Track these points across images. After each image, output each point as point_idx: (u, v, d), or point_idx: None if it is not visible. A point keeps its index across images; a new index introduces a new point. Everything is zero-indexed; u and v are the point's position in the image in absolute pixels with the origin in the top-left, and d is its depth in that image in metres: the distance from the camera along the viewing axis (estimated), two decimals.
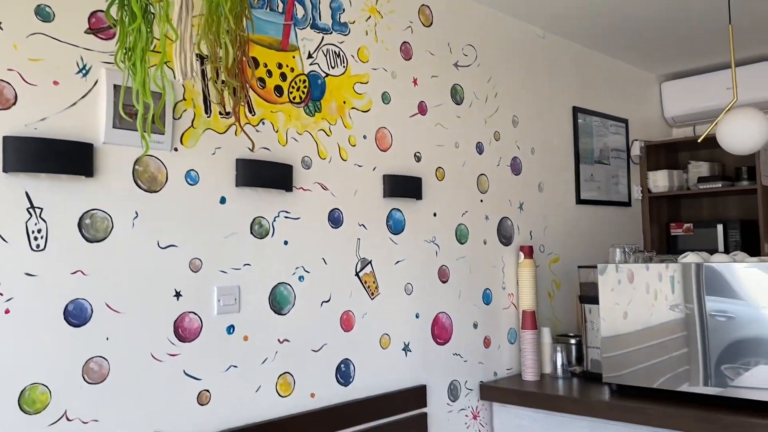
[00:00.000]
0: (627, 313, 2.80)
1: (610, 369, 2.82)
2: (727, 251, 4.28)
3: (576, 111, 3.93)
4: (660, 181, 4.44)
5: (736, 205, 4.63)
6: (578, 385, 3.00)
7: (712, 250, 4.07)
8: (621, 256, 2.93)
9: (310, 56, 2.52)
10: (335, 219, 2.56)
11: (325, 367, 2.48)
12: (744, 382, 2.49)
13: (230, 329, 2.20)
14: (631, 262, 2.86)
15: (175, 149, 2.10)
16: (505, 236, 3.35)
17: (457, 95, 3.14)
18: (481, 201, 3.23)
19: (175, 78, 2.07)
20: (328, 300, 2.51)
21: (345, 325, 2.56)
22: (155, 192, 2.05)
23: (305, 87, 2.49)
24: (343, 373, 2.54)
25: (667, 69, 4.66)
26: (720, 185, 4.29)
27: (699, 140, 3.01)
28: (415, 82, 2.94)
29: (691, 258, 2.70)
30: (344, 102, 2.62)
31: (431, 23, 3.04)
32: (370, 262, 2.67)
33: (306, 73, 2.50)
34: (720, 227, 4.33)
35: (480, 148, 3.25)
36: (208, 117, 2.19)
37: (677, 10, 3.47)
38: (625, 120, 4.37)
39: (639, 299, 2.76)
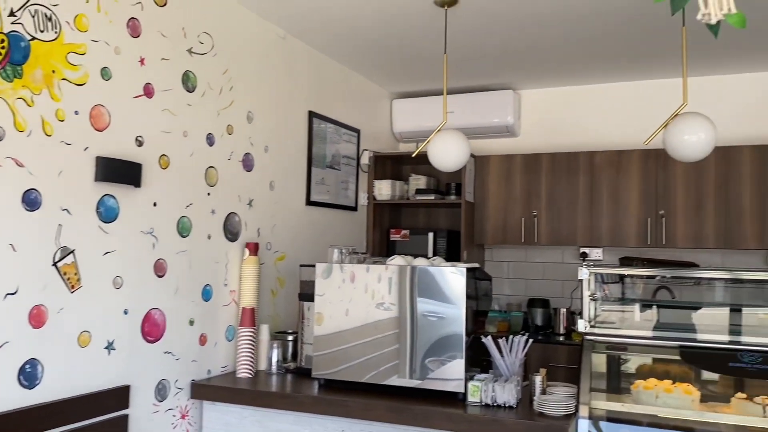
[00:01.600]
0: (348, 311, 2.94)
1: (320, 365, 2.93)
2: (435, 256, 4.76)
3: (312, 115, 4.05)
4: (384, 189, 4.78)
5: (446, 216, 5.19)
6: (290, 381, 3.08)
7: (423, 255, 4.49)
8: (338, 256, 3.08)
9: (12, 14, 2.21)
10: (31, 201, 2.27)
11: (3, 368, 2.18)
12: (439, 374, 2.77)
13: None
14: (346, 263, 3.02)
15: None
16: (231, 232, 3.31)
17: (189, 82, 3.02)
18: (209, 194, 3.15)
19: None
20: (15, 292, 2.21)
21: (34, 321, 2.28)
22: None
23: (3, 48, 2.17)
24: (28, 375, 2.26)
25: (398, 88, 5.05)
26: (433, 197, 4.77)
27: (413, 155, 3.30)
28: (142, 61, 2.75)
29: (397, 261, 2.94)
30: (53, 71, 2.35)
31: (165, 3, 2.88)
32: (73, 251, 2.42)
33: (5, 32, 2.19)
34: (431, 235, 4.82)
35: (211, 140, 3.17)
36: None
37: (409, 36, 3.78)
38: (358, 130, 4.63)
39: (358, 299, 2.92)
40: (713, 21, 1.24)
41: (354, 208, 4.62)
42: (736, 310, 3.69)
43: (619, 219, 4.45)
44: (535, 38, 3.84)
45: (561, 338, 4.45)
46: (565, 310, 4.57)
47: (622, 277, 3.93)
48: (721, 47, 3.94)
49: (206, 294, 3.12)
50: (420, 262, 2.95)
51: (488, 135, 5.05)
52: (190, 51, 3.03)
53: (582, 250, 4.75)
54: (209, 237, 3.15)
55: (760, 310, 3.67)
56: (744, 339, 2.70)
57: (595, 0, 3.21)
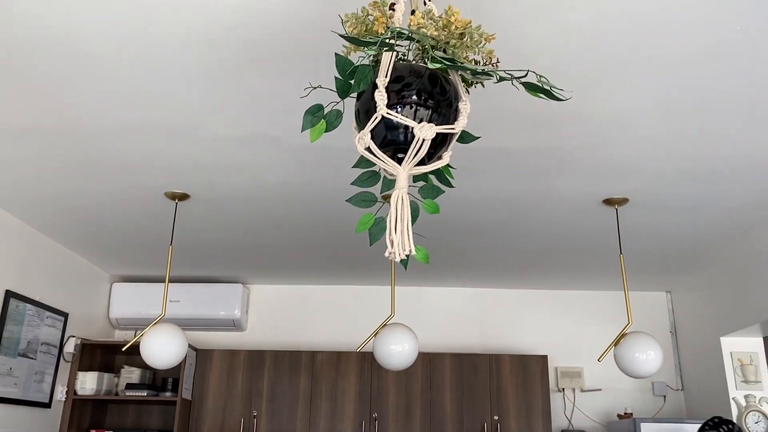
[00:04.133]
0: None
1: None
2: None
3: (9, 295, 3.57)
4: (89, 383, 4.26)
5: (159, 414, 4.74)
6: None
7: None
8: None
9: None
10: None
11: None
12: None
13: None
14: None
15: None
16: None
17: None
18: None
19: None
20: None
21: None
22: None
23: None
24: None
25: (121, 271, 4.76)
26: (145, 393, 4.36)
27: (123, 349, 3.04)
28: None
29: None
30: None
31: None
32: None
33: None
34: None
35: None
36: None
37: (136, 222, 3.66)
38: (66, 314, 4.17)
39: None
40: (397, 259, 1.39)
41: (47, 405, 3.99)
42: None
43: (336, 421, 4.48)
44: (264, 237, 3.98)
45: None
46: None
47: None
48: (429, 265, 4.48)
49: None
50: None
51: (214, 328, 4.91)
52: None
53: None
54: None
55: None
56: None
57: (320, 209, 3.48)
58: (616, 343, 3.04)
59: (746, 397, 4.02)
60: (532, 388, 4.54)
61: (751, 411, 3.98)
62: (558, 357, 4.84)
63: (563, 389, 4.79)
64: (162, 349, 2.90)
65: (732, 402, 4.04)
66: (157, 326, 3.00)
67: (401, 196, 1.41)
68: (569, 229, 3.66)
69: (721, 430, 3.38)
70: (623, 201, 3.21)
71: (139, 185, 3.17)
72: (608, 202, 3.23)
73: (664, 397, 4.77)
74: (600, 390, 4.77)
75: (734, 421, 3.89)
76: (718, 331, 4.21)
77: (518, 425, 4.43)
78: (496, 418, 4.46)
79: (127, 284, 4.82)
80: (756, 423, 3.97)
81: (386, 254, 1.44)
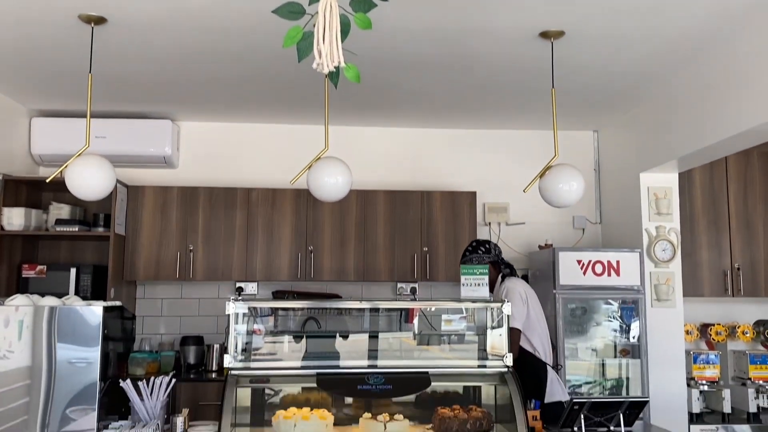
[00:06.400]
0: None
1: None
2: (78, 294, 4.30)
3: None
4: (16, 219, 4.17)
5: (93, 250, 4.75)
6: None
7: (65, 293, 4.02)
8: None
9: None
10: None
11: None
12: (74, 426, 2.47)
13: None
14: None
15: None
16: None
17: None
18: None
19: None
20: None
21: None
22: None
23: None
24: None
25: (40, 105, 4.51)
26: (77, 229, 4.33)
27: (47, 180, 2.95)
28: None
29: (19, 300, 2.56)
30: None
31: None
32: None
33: None
34: (74, 271, 4.35)
35: None
36: None
37: (52, 50, 3.40)
38: None
39: None
40: (326, 71, 1.35)
41: None
42: (371, 336, 4.10)
43: (272, 254, 4.61)
44: (192, 71, 3.80)
45: (213, 375, 4.38)
46: (218, 346, 4.52)
47: (274, 311, 4.06)
48: (363, 103, 4.42)
49: None
50: (49, 301, 2.62)
51: (144, 165, 4.81)
52: None
53: (238, 284, 4.79)
54: None
55: (387, 335, 4.14)
56: (371, 362, 2.99)
57: (247, 40, 3.32)
58: (542, 174, 3.16)
59: (657, 228, 4.34)
60: (460, 223, 4.75)
61: (660, 240, 4.31)
62: (486, 193, 5.02)
63: (489, 223, 5.03)
64: (88, 179, 2.83)
65: (644, 232, 4.36)
66: (82, 157, 2.90)
67: (330, 3, 1.34)
68: (504, 64, 3.64)
69: (479, 251, 3.74)
70: (559, 34, 3.18)
71: (50, 7, 2.91)
72: (544, 35, 3.20)
73: (583, 230, 5.09)
74: (524, 224, 5.04)
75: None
76: (637, 168, 4.43)
77: (446, 255, 4.68)
78: (425, 249, 4.68)
79: (49, 119, 4.59)
80: (663, 251, 4.33)
81: (314, 65, 1.39)
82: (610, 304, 4.34)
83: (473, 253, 3.72)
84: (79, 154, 2.92)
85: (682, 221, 4.44)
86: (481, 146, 5.12)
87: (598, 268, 4.26)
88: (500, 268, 3.73)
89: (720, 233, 4.60)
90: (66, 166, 2.91)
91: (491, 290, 3.50)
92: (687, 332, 4.60)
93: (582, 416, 2.88)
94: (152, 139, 4.66)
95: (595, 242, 5.07)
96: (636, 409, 2.96)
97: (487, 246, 3.75)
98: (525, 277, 4.91)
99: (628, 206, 4.59)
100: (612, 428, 2.96)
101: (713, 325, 4.66)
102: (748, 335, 4.66)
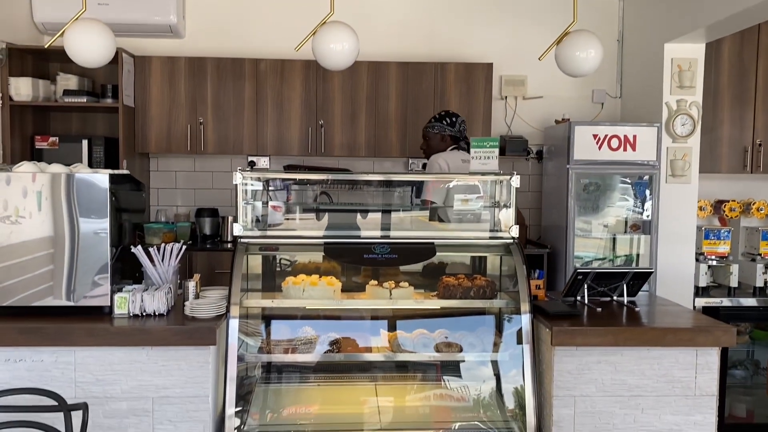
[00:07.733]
0: None
1: None
2: (91, 166, 4.33)
3: None
4: (24, 89, 4.13)
5: (104, 122, 4.73)
6: None
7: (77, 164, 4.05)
8: None
9: None
10: None
11: None
12: (90, 291, 2.56)
13: None
14: None
15: None
16: None
17: None
18: None
19: None
20: None
21: None
22: None
23: None
24: None
25: None
26: (85, 100, 4.29)
27: (46, 46, 2.88)
28: None
29: (25, 168, 2.58)
30: None
31: None
32: None
33: None
34: (85, 142, 4.35)
35: None
36: None
37: None
38: None
39: None
40: None
41: None
42: (381, 210, 4.12)
43: (282, 128, 4.56)
44: None
45: (228, 245, 4.49)
46: (232, 218, 4.59)
47: (286, 184, 4.07)
48: None
49: None
50: (56, 168, 2.63)
51: (150, 34, 4.67)
52: None
53: (250, 158, 4.79)
54: None
55: (397, 208, 4.16)
56: (379, 233, 3.01)
57: None
58: (559, 41, 3.01)
59: (678, 101, 4.19)
60: (475, 96, 4.61)
61: (680, 114, 4.17)
62: (503, 65, 4.83)
63: (506, 97, 4.89)
64: (88, 44, 2.75)
65: (664, 106, 4.21)
66: (80, 21, 2.80)
67: None
68: None
69: (444, 122, 3.85)
70: None
71: None
72: None
73: (602, 104, 4.93)
74: (541, 97, 4.89)
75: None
76: (662, 38, 4.20)
77: None
78: None
79: None
80: (683, 125, 4.20)
81: None
82: (624, 179, 4.28)
83: (438, 121, 3.85)
84: (76, 18, 2.82)
85: (705, 95, 4.26)
86: (500, 13, 4.86)
87: (614, 143, 4.16)
88: (459, 144, 3.82)
89: (744, 108, 4.42)
90: (63, 32, 2.82)
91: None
92: (700, 208, 4.56)
93: (585, 286, 2.92)
94: (157, 7, 4.49)
95: (614, 117, 4.93)
96: (640, 280, 2.99)
97: (453, 119, 3.84)
98: (539, 153, 4.85)
99: (649, 79, 4.41)
100: (615, 298, 3.01)
101: (728, 201, 4.61)
102: (762, 212, 4.61)
